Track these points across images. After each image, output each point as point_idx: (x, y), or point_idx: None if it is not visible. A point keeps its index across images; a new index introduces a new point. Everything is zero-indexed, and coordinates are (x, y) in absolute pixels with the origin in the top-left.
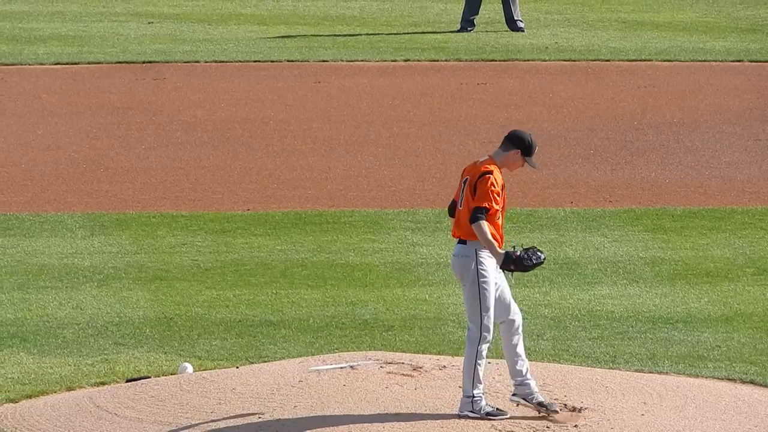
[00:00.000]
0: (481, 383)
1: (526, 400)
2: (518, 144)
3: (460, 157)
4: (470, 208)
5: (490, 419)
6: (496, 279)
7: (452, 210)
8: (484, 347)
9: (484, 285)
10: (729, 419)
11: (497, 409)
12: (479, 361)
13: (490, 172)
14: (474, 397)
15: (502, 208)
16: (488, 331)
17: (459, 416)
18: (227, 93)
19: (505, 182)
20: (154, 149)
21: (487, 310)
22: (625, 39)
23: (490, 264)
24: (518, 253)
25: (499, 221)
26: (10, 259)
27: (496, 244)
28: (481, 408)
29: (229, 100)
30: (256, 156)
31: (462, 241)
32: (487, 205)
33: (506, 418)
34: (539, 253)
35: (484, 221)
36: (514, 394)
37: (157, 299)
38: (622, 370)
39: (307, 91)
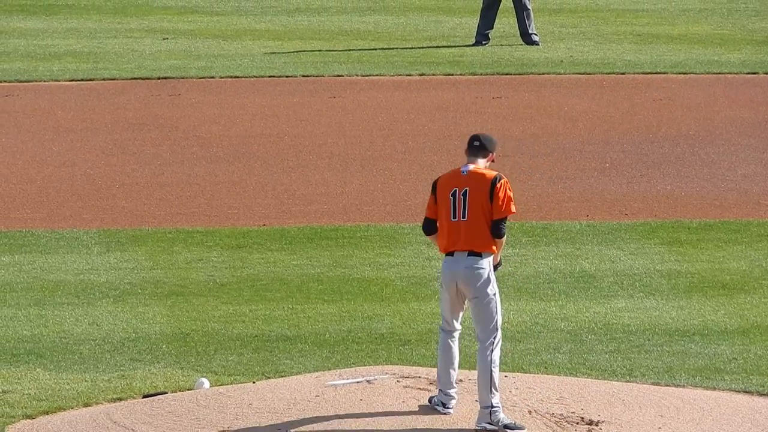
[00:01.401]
0: (498, 392)
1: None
2: (493, 148)
3: None
4: (488, 219)
5: (508, 430)
6: None
7: (431, 227)
8: (497, 352)
9: (498, 297)
10: None
11: (515, 423)
12: (494, 369)
13: (502, 177)
14: (492, 407)
15: None
16: (499, 332)
17: (477, 429)
18: (242, 108)
19: (520, 194)
20: (169, 165)
21: (500, 315)
22: (640, 52)
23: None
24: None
25: None
26: (26, 276)
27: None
28: (499, 420)
29: (244, 115)
30: (272, 171)
31: (474, 254)
32: (512, 212)
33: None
34: None
35: (505, 230)
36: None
37: (174, 315)
38: (639, 383)
39: (322, 106)
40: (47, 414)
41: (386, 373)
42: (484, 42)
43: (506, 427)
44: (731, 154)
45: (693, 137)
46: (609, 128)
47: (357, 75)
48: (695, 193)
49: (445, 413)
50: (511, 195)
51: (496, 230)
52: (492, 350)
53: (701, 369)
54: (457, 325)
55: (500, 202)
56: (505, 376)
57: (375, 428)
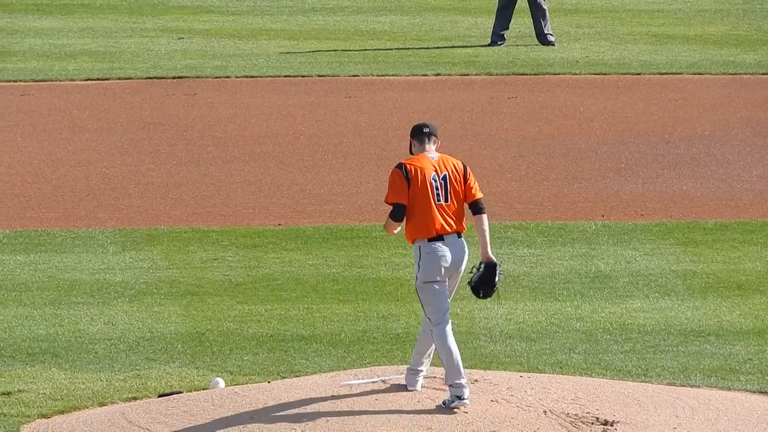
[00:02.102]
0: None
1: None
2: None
3: (491, 171)
4: (468, 201)
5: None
6: None
7: (402, 213)
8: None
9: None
10: None
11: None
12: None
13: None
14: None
15: None
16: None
17: (455, 404)
18: (258, 108)
19: (535, 195)
20: (185, 164)
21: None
22: (656, 52)
23: None
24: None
25: None
26: (41, 275)
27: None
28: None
29: (259, 115)
30: (287, 171)
31: (461, 235)
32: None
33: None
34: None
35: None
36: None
37: (189, 314)
38: (654, 384)
39: (337, 105)
40: (62, 413)
41: (401, 372)
42: (499, 42)
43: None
44: (747, 155)
45: (708, 138)
46: (624, 129)
47: (372, 75)
48: (711, 193)
49: (463, 405)
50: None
51: (480, 207)
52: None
53: (716, 369)
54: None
55: (475, 184)
56: (520, 376)
57: (390, 428)
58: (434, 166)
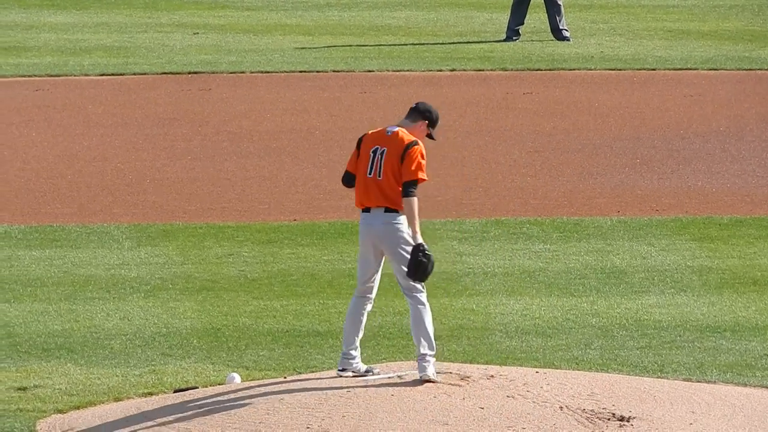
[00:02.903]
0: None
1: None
2: (427, 116)
3: (506, 167)
4: (398, 179)
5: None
6: None
7: (350, 180)
8: (424, 299)
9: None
10: None
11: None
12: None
13: (417, 143)
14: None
15: None
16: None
17: (422, 381)
18: (273, 103)
19: (551, 190)
20: (200, 160)
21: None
22: (671, 48)
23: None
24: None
25: None
26: (57, 270)
27: (419, 225)
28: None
29: (275, 110)
30: (303, 166)
31: (390, 210)
32: (418, 178)
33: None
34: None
35: (415, 198)
36: (343, 369)
37: (205, 310)
38: (670, 379)
39: (352, 101)
40: (78, 409)
41: (416, 368)
42: (514, 38)
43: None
44: (762, 150)
45: (723, 133)
46: (640, 124)
47: (388, 70)
48: (726, 189)
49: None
50: (423, 162)
51: (404, 191)
52: (425, 302)
53: (732, 365)
54: (369, 289)
55: (411, 166)
56: (537, 372)
57: (406, 423)
58: (380, 140)
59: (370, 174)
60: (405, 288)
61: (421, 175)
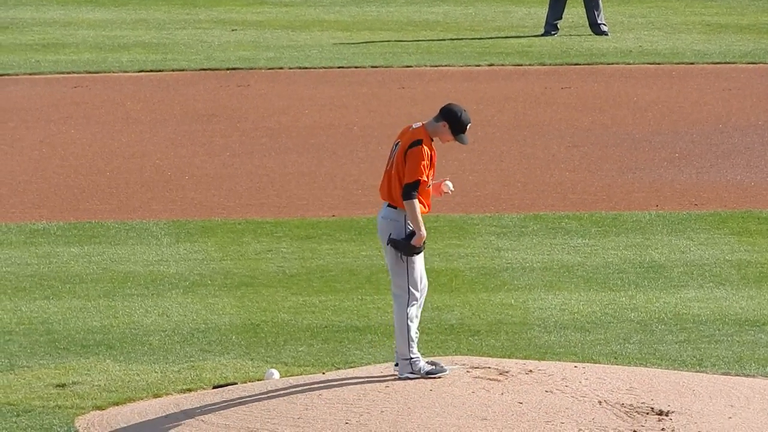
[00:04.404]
0: (414, 343)
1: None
2: (447, 117)
3: (545, 162)
4: (401, 179)
5: (430, 377)
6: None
7: None
8: (414, 308)
9: (413, 257)
10: None
11: (437, 366)
12: (410, 323)
13: (420, 142)
14: (412, 358)
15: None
16: (416, 291)
17: (400, 378)
18: (311, 99)
19: (589, 185)
20: (238, 156)
21: (413, 271)
22: (710, 42)
23: None
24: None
25: (429, 188)
26: (96, 267)
27: (422, 224)
28: (420, 368)
29: (313, 106)
30: (341, 162)
31: (392, 206)
32: (417, 179)
33: (446, 374)
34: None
35: (416, 200)
36: (396, 365)
37: (243, 306)
38: (709, 374)
39: (391, 96)
40: (117, 405)
41: (456, 363)
42: (553, 32)
43: (428, 373)
44: None
45: (762, 127)
46: (678, 118)
47: (426, 66)
48: (765, 182)
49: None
50: (423, 163)
51: (404, 193)
52: (407, 306)
53: None
54: (391, 278)
55: (409, 167)
56: (575, 367)
57: (445, 418)
58: (402, 134)
59: (387, 167)
60: (393, 290)
61: (417, 177)
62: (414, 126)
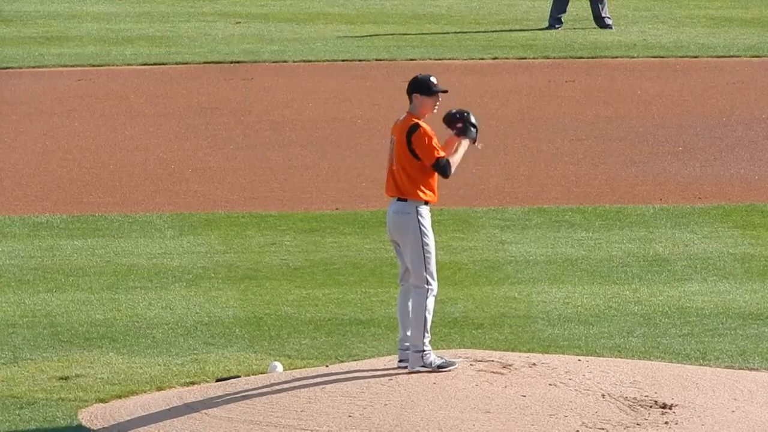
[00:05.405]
0: (428, 336)
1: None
2: (413, 89)
3: (548, 155)
4: (410, 167)
5: (441, 371)
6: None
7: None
8: (431, 300)
9: (425, 240)
10: None
11: (446, 360)
12: (428, 315)
13: (416, 125)
14: (424, 351)
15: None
16: (433, 281)
17: (410, 372)
18: (315, 92)
19: (593, 178)
20: (242, 149)
21: (430, 262)
22: (714, 35)
23: (428, 220)
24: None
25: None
26: (99, 260)
27: (462, 151)
28: (431, 362)
29: (317, 99)
30: (345, 155)
31: (401, 199)
32: (437, 157)
33: (455, 368)
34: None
35: (449, 166)
36: (401, 360)
37: (247, 299)
38: (713, 367)
39: (395, 90)
40: (120, 398)
41: (459, 356)
42: (557, 25)
43: (439, 367)
44: None
45: (766, 120)
46: (682, 112)
47: (430, 59)
48: None
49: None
50: (434, 142)
51: (438, 172)
52: (426, 297)
53: None
54: (408, 277)
55: (424, 151)
56: (579, 360)
57: (448, 411)
58: (393, 129)
59: (389, 164)
60: (412, 281)
61: (438, 153)
62: (400, 118)
